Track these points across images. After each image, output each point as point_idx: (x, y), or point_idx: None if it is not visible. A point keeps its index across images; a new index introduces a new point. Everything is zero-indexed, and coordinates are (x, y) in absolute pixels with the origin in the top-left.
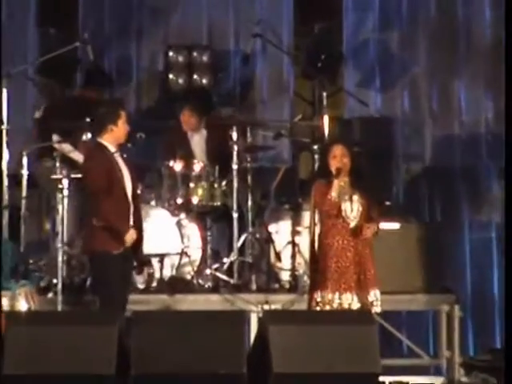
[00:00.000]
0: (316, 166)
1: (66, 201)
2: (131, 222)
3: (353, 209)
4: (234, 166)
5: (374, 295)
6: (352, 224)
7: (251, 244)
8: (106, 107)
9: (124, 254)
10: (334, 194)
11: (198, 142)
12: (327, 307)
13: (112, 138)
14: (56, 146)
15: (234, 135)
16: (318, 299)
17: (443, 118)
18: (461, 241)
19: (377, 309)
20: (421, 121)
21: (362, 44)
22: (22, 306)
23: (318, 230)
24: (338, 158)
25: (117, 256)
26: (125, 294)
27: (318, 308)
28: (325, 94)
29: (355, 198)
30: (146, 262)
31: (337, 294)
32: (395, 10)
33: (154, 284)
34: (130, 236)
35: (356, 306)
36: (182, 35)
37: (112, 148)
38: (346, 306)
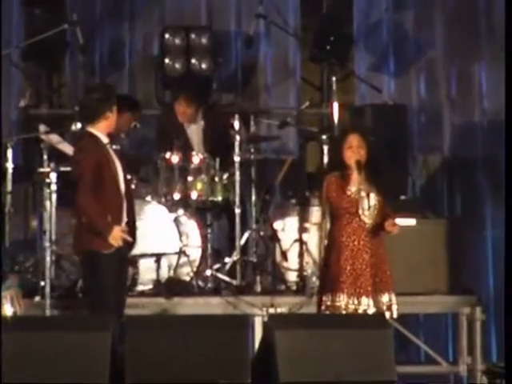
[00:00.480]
0: (325, 157)
1: (54, 196)
2: (124, 219)
3: (370, 206)
4: (236, 158)
5: (391, 299)
6: (368, 223)
7: (255, 242)
8: (99, 93)
9: (118, 253)
10: (353, 189)
11: (194, 131)
12: (340, 312)
13: (105, 126)
14: (43, 137)
15: (236, 124)
16: (328, 303)
17: (463, 105)
18: (483, 237)
19: (394, 314)
20: (438, 108)
21: (374, 25)
22: (7, 310)
23: (328, 227)
24: (355, 148)
25: (108, 256)
26: (120, 298)
27: (327, 312)
28: (334, 78)
29: (372, 194)
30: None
31: (352, 298)
32: None
33: (139, 288)
34: (116, 235)
35: (372, 311)
36: (178, 16)
37: (104, 138)
38: (361, 311)
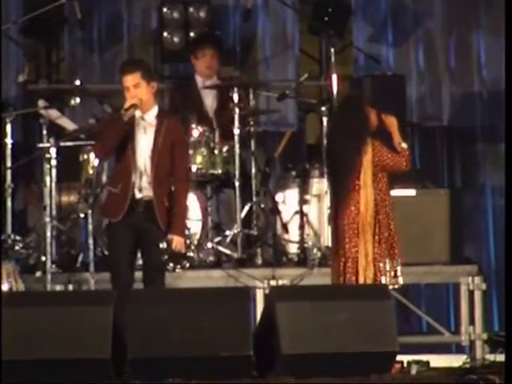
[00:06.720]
0: (324, 128)
1: (53, 171)
2: (136, 190)
3: None
4: (236, 131)
5: (398, 264)
6: None
7: (256, 215)
8: None
9: (128, 222)
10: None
11: (208, 93)
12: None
13: None
14: (42, 112)
15: (235, 97)
16: (387, 268)
17: (461, 75)
18: (483, 207)
19: (400, 281)
20: (437, 78)
21: None
22: (3, 286)
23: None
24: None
25: (116, 224)
26: (127, 271)
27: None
28: (333, 50)
29: None
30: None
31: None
32: None
33: (140, 261)
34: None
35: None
36: None
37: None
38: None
